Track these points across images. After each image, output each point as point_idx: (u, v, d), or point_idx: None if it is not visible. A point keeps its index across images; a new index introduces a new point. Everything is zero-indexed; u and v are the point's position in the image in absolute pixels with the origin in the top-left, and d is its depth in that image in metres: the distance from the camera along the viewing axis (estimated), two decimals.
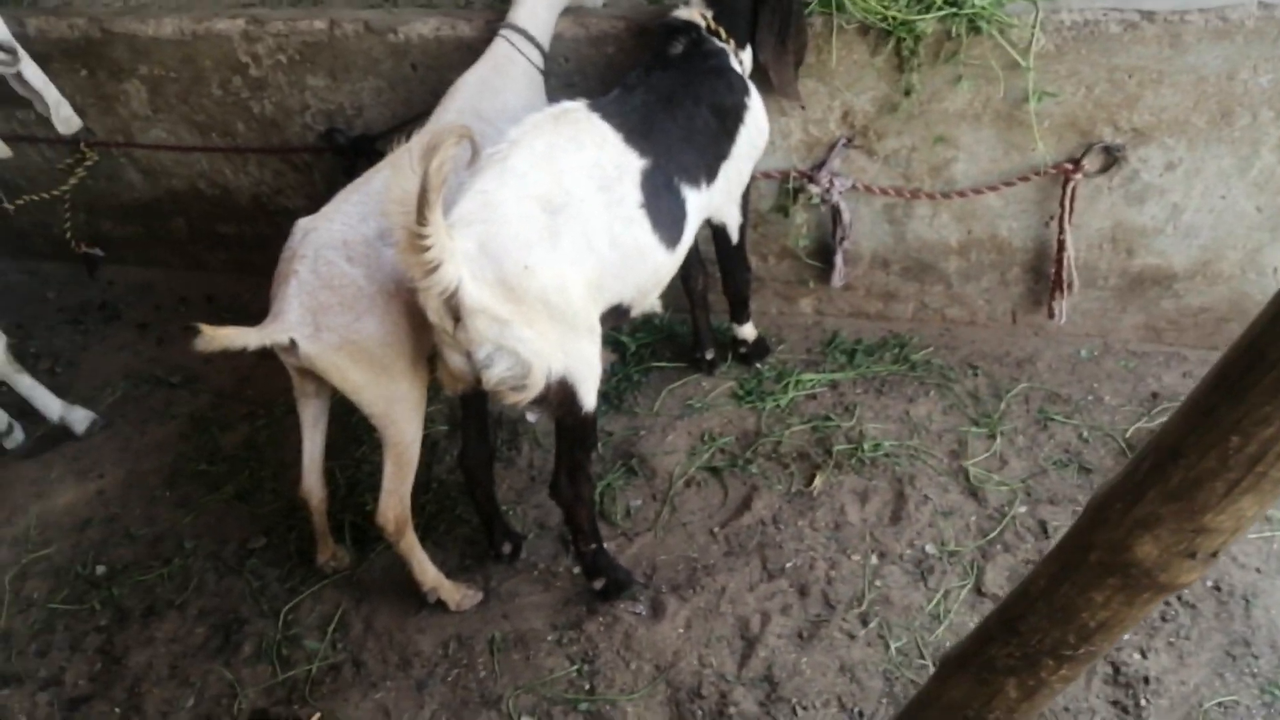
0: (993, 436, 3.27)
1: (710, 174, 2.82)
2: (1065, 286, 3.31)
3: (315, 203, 4.03)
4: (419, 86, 3.57)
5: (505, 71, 3.02)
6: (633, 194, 2.51)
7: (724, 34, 2.89)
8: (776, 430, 3.38)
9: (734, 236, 3.19)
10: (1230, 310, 3.33)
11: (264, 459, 3.63)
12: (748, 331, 3.55)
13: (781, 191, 3.44)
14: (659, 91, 2.72)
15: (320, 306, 2.51)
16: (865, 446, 3.26)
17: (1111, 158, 3.06)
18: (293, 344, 2.51)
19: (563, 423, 2.60)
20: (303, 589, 3.12)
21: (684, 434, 3.45)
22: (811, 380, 3.53)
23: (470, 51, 3.38)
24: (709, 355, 3.59)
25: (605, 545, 3.00)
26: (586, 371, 2.50)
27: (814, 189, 3.33)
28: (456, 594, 2.97)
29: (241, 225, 4.33)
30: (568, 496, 2.72)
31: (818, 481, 3.18)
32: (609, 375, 3.70)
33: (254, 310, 4.36)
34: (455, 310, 2.21)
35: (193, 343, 2.33)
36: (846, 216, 3.39)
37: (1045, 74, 2.94)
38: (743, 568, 2.99)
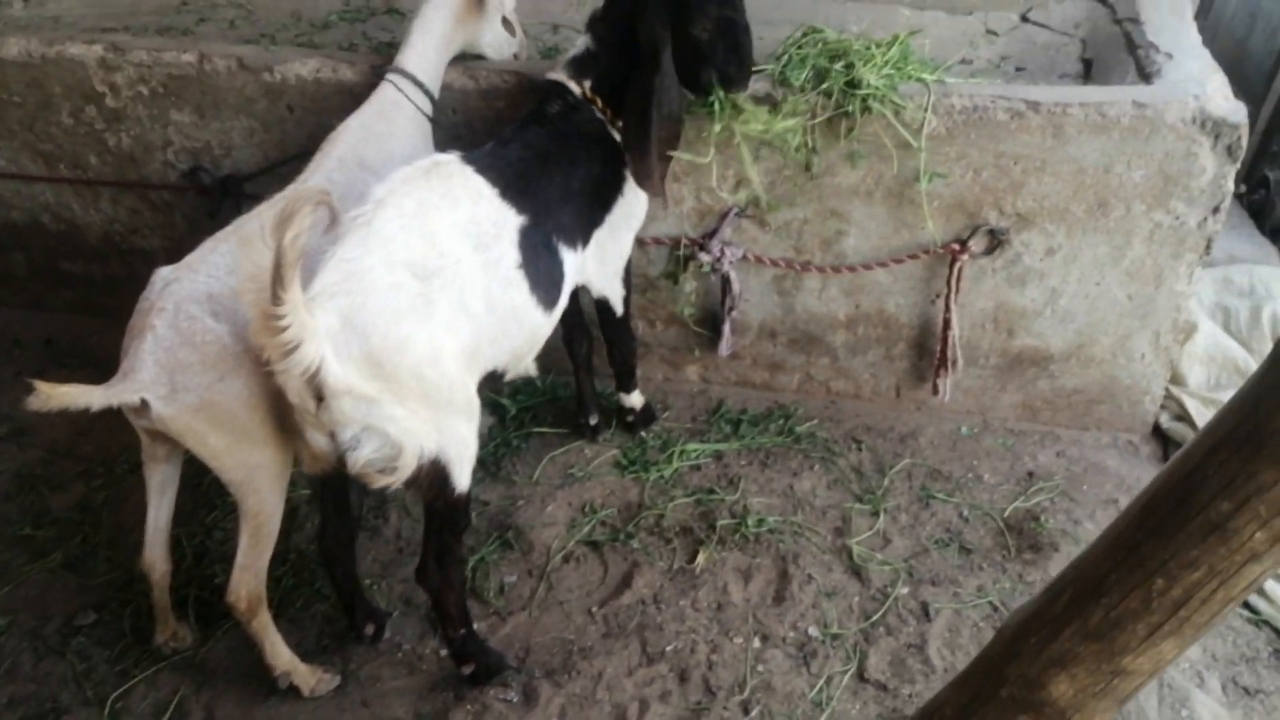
0: (876, 514, 3.24)
1: (585, 237, 2.73)
2: (950, 364, 3.33)
3: (174, 244, 3.79)
4: (295, 129, 3.36)
5: (391, 118, 2.87)
6: (510, 253, 2.39)
7: (600, 103, 2.75)
8: (659, 503, 3.27)
9: (618, 309, 3.10)
10: (1101, 393, 3.42)
11: (99, 523, 3.30)
12: (635, 400, 3.45)
13: (672, 258, 3.37)
14: (535, 148, 2.60)
15: (178, 365, 2.29)
16: (749, 522, 3.17)
17: (996, 240, 3.10)
18: (144, 405, 2.29)
19: (433, 505, 2.41)
20: (135, 672, 2.82)
21: (564, 505, 3.30)
22: (696, 451, 3.44)
23: (351, 96, 3.21)
24: (593, 421, 3.47)
25: (476, 625, 2.81)
26: (461, 450, 2.33)
27: (705, 257, 3.27)
28: (311, 678, 2.74)
29: (90, 264, 3.99)
30: (435, 582, 2.54)
31: (701, 558, 3.07)
32: (487, 440, 3.53)
33: (99, 356, 4.05)
34: (318, 390, 2.02)
35: (25, 401, 2.08)
36: (736, 286, 3.34)
37: (936, 155, 2.97)
38: (621, 650, 2.85)
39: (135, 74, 3.39)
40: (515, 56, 3.34)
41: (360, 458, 2.15)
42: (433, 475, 2.27)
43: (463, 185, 2.37)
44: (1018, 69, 3.40)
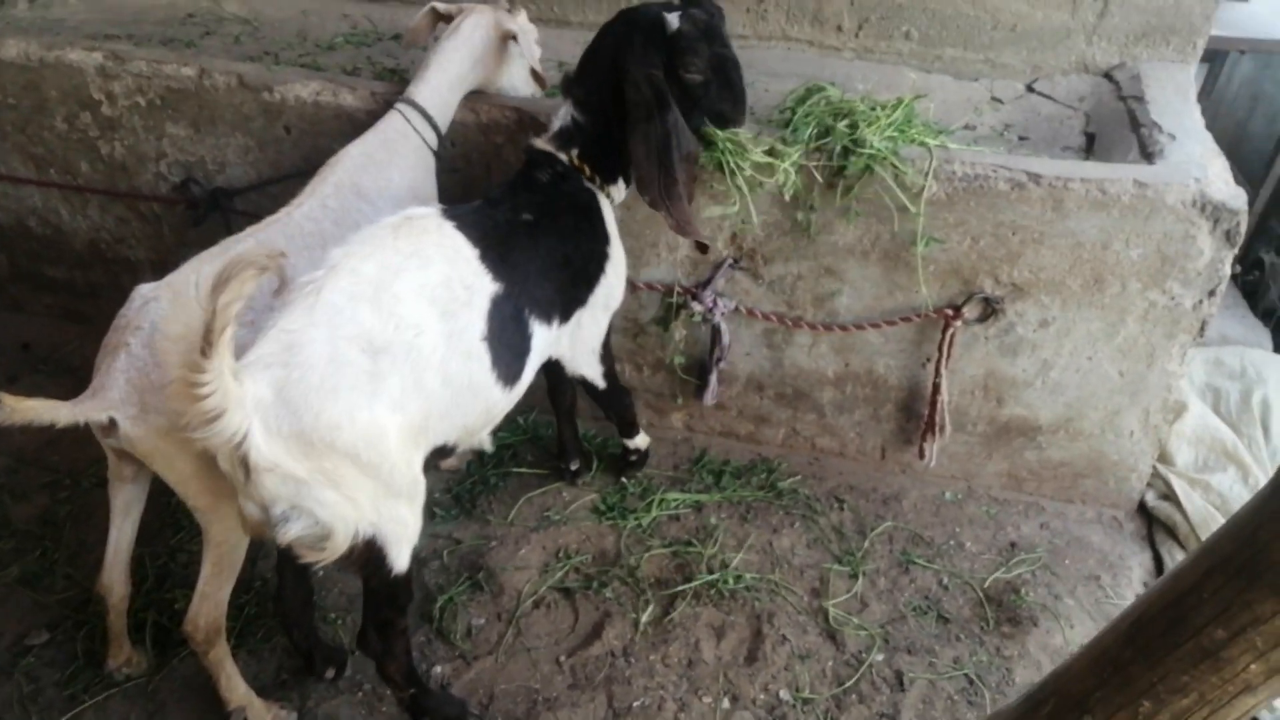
0: (855, 576, 3.18)
1: (564, 314, 2.59)
2: (937, 429, 3.29)
3: (160, 257, 3.74)
4: (291, 150, 3.33)
5: (394, 148, 2.84)
6: (477, 324, 2.24)
7: (589, 171, 2.61)
8: (635, 551, 3.21)
9: (600, 385, 3.00)
10: (1088, 467, 3.38)
11: (60, 538, 3.22)
12: (640, 441, 3.39)
13: (663, 305, 3.33)
14: (524, 214, 2.46)
15: (150, 385, 2.24)
16: (726, 578, 3.11)
17: (990, 308, 3.08)
18: (113, 424, 2.23)
19: (369, 583, 2.29)
20: (85, 697, 2.73)
21: (538, 548, 3.24)
22: (676, 500, 3.39)
23: (350, 121, 3.19)
24: (574, 466, 3.42)
25: (441, 668, 2.76)
26: (400, 531, 2.19)
27: (697, 307, 3.24)
28: (267, 715, 2.66)
29: (73, 270, 3.93)
30: (376, 651, 2.43)
31: (674, 613, 3.01)
32: (464, 476, 3.47)
33: (74, 364, 3.98)
34: (245, 462, 1.89)
35: None
36: (726, 338, 3.30)
37: (934, 220, 2.95)
38: (587, 703, 2.78)
39: (133, 84, 3.35)
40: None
41: (289, 534, 2.02)
42: (367, 555, 2.15)
43: (438, 242, 2.23)
44: (1021, 138, 3.39)
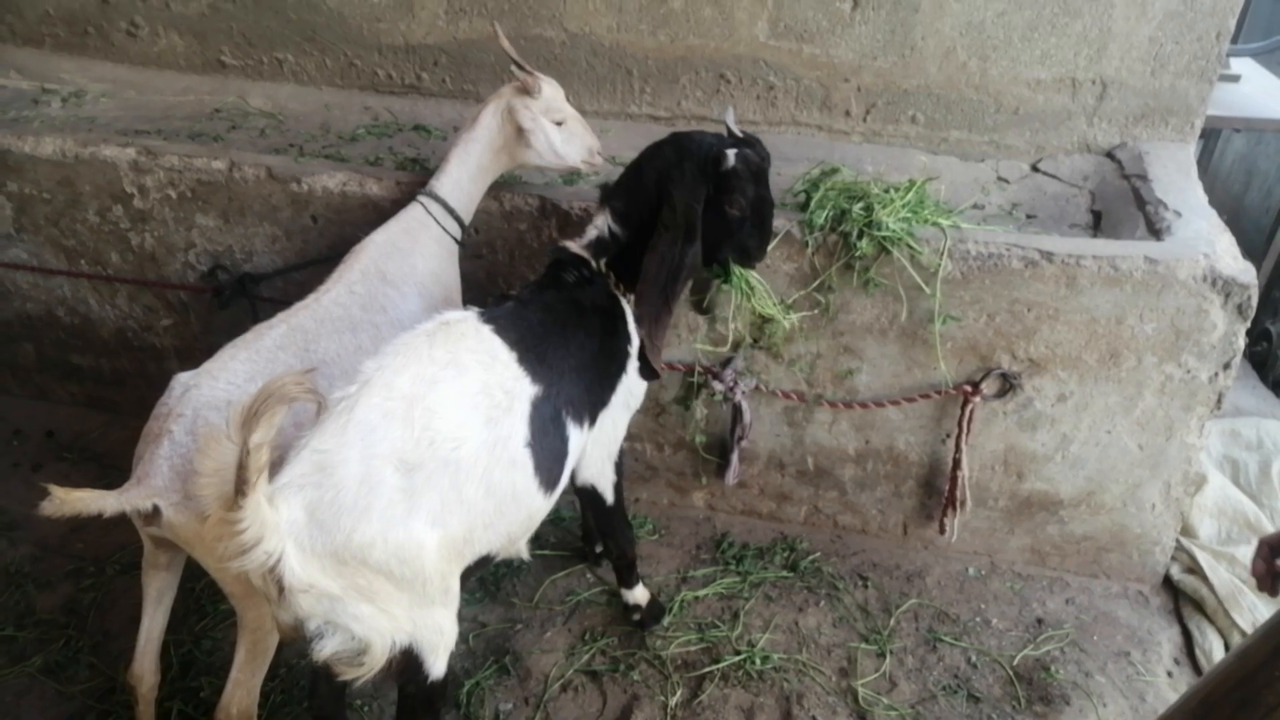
0: (882, 654, 3.16)
1: (592, 415, 2.54)
2: (958, 504, 3.30)
3: (187, 345, 3.80)
4: (317, 238, 3.41)
5: (416, 236, 2.91)
6: (520, 430, 2.20)
7: (614, 278, 2.62)
8: (661, 634, 3.19)
9: (607, 497, 2.88)
10: (1110, 540, 3.38)
11: (84, 626, 3.21)
12: (639, 595, 3.17)
13: (684, 384, 3.38)
14: (554, 313, 2.45)
15: (193, 472, 2.26)
16: (753, 658, 3.09)
17: (1008, 384, 3.12)
18: (156, 511, 2.25)
19: (405, 689, 2.26)
20: None
21: (564, 631, 3.23)
22: (698, 595, 3.35)
23: (376, 210, 3.28)
24: (598, 549, 3.41)
25: None
26: (436, 640, 2.17)
27: (718, 386, 3.28)
28: None
29: (99, 359, 3.99)
30: None
31: (703, 695, 2.99)
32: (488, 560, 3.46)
33: (99, 451, 4.01)
34: (279, 582, 1.88)
35: (39, 506, 2.03)
36: (747, 417, 3.34)
37: (950, 298, 3.01)
38: None
39: (165, 177, 3.45)
40: (588, 159, 3.12)
41: (325, 650, 2.01)
42: (404, 665, 2.13)
43: (475, 347, 2.21)
44: (1029, 216, 3.47)
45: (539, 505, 2.34)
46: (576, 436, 2.44)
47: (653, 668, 3.09)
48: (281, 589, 1.88)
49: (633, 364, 2.67)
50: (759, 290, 2.88)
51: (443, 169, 2.97)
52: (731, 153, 2.51)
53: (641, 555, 3.51)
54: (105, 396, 4.09)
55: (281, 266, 3.50)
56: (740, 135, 2.62)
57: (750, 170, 2.53)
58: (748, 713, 2.97)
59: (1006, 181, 3.71)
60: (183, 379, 2.42)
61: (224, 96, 4.23)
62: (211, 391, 2.36)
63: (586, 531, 3.40)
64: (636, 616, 3.19)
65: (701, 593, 3.36)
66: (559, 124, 3.00)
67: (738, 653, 3.12)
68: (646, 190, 2.56)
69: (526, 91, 2.96)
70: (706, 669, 3.07)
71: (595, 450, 2.73)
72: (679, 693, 3.00)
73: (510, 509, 2.23)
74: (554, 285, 2.54)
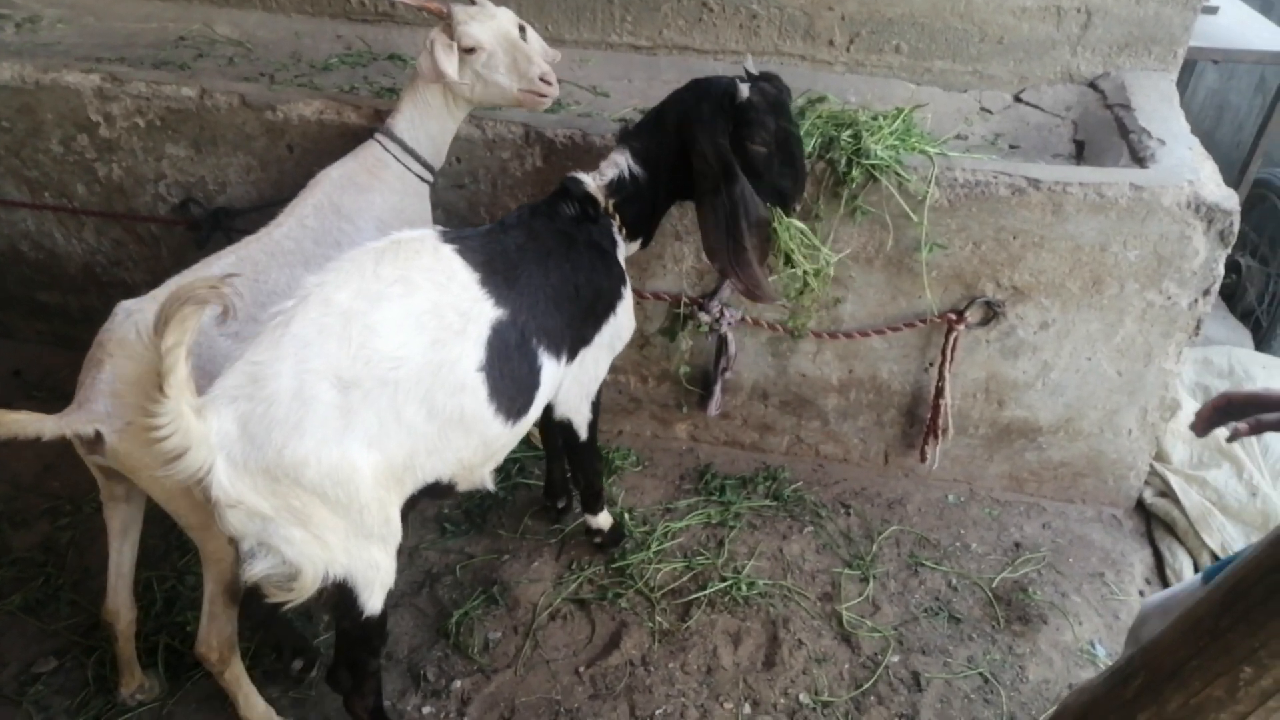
0: (865, 579, 3.22)
1: (571, 351, 2.50)
2: (940, 432, 3.34)
3: (157, 279, 3.62)
4: (293, 169, 3.33)
5: (376, 174, 2.79)
6: (473, 353, 2.12)
7: (620, 221, 2.57)
8: (648, 562, 3.22)
9: (581, 434, 2.83)
10: (1087, 466, 3.45)
11: (63, 564, 3.17)
12: (602, 520, 3.16)
13: (670, 315, 3.36)
14: (539, 239, 2.38)
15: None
16: (739, 584, 3.13)
17: (992, 312, 3.14)
18: (98, 438, 2.19)
19: (340, 624, 2.23)
20: None
21: (550, 560, 3.24)
22: (684, 525, 3.37)
23: (355, 139, 3.18)
24: (560, 505, 3.37)
25: (460, 683, 2.75)
26: (371, 575, 2.12)
27: (704, 317, 3.27)
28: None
29: (66, 295, 3.89)
30: (345, 688, 2.39)
31: (690, 621, 3.03)
32: (473, 492, 3.46)
33: (68, 390, 3.89)
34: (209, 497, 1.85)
35: None
36: (732, 348, 3.34)
37: (937, 227, 3.01)
38: (610, 713, 2.78)
39: (132, 105, 3.34)
40: (527, 87, 2.75)
41: (255, 571, 1.96)
42: (338, 597, 2.09)
43: (429, 267, 2.12)
44: (1012, 146, 3.48)
45: (495, 433, 2.25)
46: (551, 368, 2.38)
47: (640, 595, 3.12)
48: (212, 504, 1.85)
49: (623, 305, 2.64)
50: (804, 240, 2.78)
51: (397, 108, 2.82)
52: (745, 86, 2.46)
53: (626, 486, 3.54)
54: (73, 334, 4.00)
55: (257, 198, 3.42)
56: (756, 74, 2.57)
57: (768, 102, 2.48)
58: (735, 637, 3.01)
59: (989, 112, 3.70)
60: (126, 305, 2.34)
61: (188, 24, 4.10)
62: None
63: (550, 487, 3.35)
64: (598, 540, 3.22)
65: (686, 522, 3.38)
66: (469, 51, 2.69)
67: (723, 579, 3.16)
68: (667, 133, 2.53)
69: (444, 24, 2.69)
70: (693, 595, 3.11)
71: (573, 387, 2.67)
72: (667, 618, 3.04)
73: (457, 435, 2.15)
74: (548, 214, 2.48)
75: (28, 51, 3.69)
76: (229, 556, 2.37)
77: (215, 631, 2.44)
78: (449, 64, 2.67)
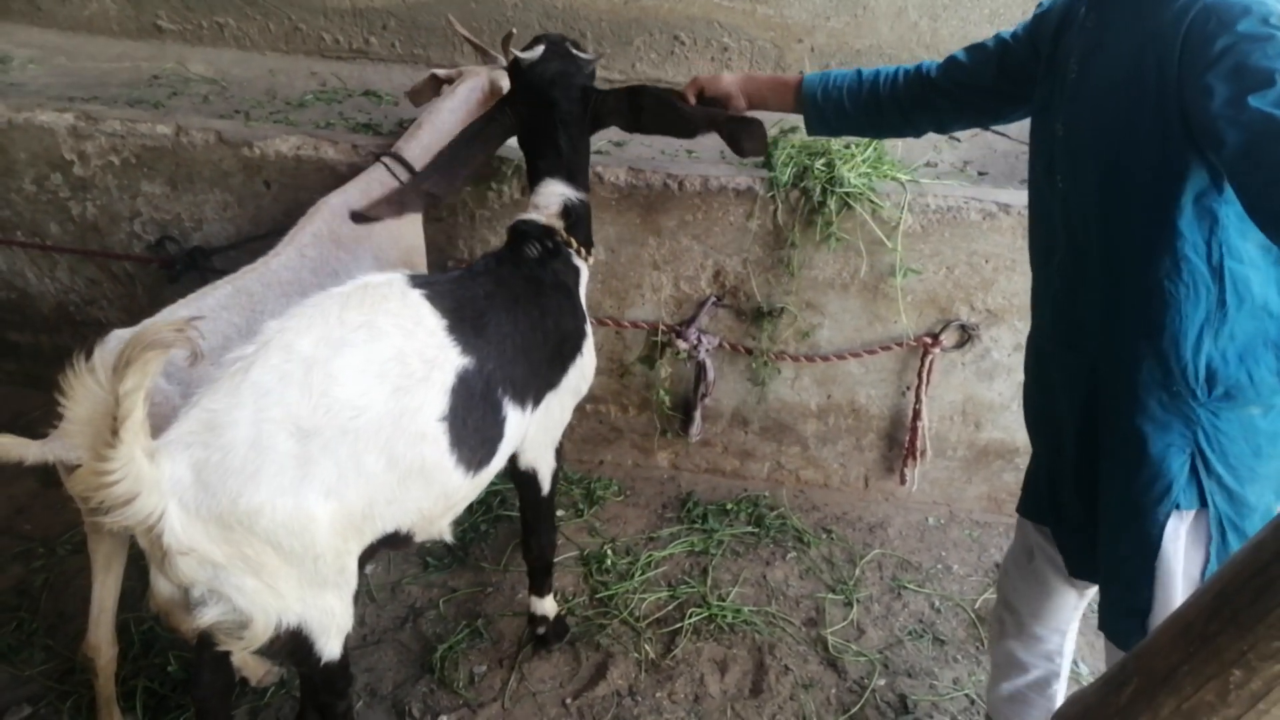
0: (849, 604, 3.23)
1: (537, 398, 2.45)
2: (919, 455, 3.38)
3: (133, 318, 3.65)
4: (271, 205, 3.34)
5: (374, 198, 2.85)
6: (436, 402, 2.08)
7: (575, 244, 2.57)
8: (632, 591, 3.21)
9: (544, 486, 2.73)
10: None
11: (37, 608, 3.11)
12: (547, 606, 2.97)
13: (648, 343, 3.39)
14: (506, 286, 2.37)
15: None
16: (724, 612, 3.13)
17: (967, 335, 3.20)
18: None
19: (301, 670, 2.19)
20: None
21: None
22: (662, 556, 3.36)
23: (333, 174, 3.22)
24: None
25: (446, 717, 2.71)
26: (328, 621, 2.05)
27: (682, 345, 3.30)
28: (260, 669, 2.76)
29: (39, 335, 3.85)
30: None
31: (676, 649, 3.02)
32: (456, 524, 3.44)
33: (40, 432, 3.86)
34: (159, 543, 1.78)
35: None
36: (711, 374, 3.36)
37: (910, 252, 3.06)
38: None
39: (107, 143, 3.34)
40: None
41: (205, 619, 1.89)
42: (293, 645, 2.03)
43: (396, 313, 2.09)
44: (980, 173, 3.54)
45: (455, 484, 2.19)
46: (516, 418, 2.34)
47: (625, 625, 3.11)
48: (164, 552, 1.78)
49: (587, 344, 2.63)
50: None
51: (414, 134, 2.93)
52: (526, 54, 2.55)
53: (608, 516, 3.54)
54: (45, 375, 3.91)
55: (235, 235, 3.42)
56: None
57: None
58: (721, 665, 3.01)
59: (958, 140, 3.78)
60: (119, 334, 2.33)
61: (162, 62, 4.10)
62: None
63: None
64: (541, 630, 2.99)
65: (669, 551, 3.38)
66: None
67: (708, 607, 3.16)
68: (570, 129, 2.55)
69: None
70: (678, 625, 3.10)
71: (539, 435, 2.61)
72: (653, 647, 3.03)
73: (416, 485, 2.10)
74: (513, 261, 2.48)
75: (0, 92, 3.68)
76: None
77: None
78: None
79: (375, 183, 2.87)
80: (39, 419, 3.88)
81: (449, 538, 2.40)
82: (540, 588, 2.96)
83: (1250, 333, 1.70)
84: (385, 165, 2.88)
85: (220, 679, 2.37)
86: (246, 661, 2.74)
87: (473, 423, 2.18)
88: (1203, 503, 1.76)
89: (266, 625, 1.93)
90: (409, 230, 2.94)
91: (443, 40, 3.97)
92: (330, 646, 2.10)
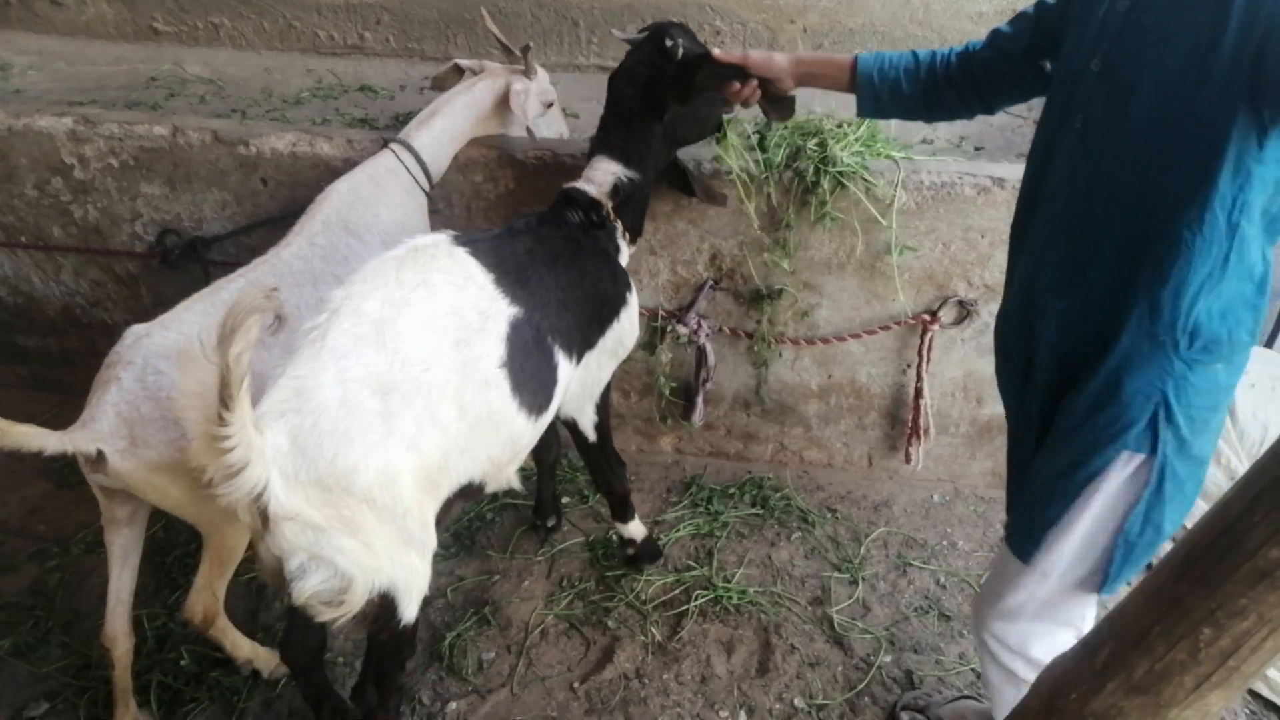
0: (855, 582, 3.24)
1: (579, 353, 2.53)
2: (922, 432, 3.38)
3: (139, 318, 3.70)
4: (268, 202, 3.36)
5: (383, 184, 2.88)
6: (494, 350, 2.17)
7: (622, 226, 2.67)
8: (638, 576, 3.23)
9: (590, 435, 2.90)
10: None
11: (53, 607, 3.15)
12: (633, 530, 3.17)
13: (648, 329, 3.40)
14: (547, 245, 2.44)
15: (140, 418, 2.24)
16: (730, 593, 3.15)
17: (965, 311, 3.19)
18: (101, 457, 2.21)
19: (377, 637, 2.23)
20: None
21: (540, 579, 3.25)
22: (668, 539, 3.39)
23: (329, 170, 3.23)
24: (550, 524, 3.38)
25: (455, 704, 2.73)
26: (412, 581, 2.14)
27: (681, 330, 3.30)
28: (272, 662, 2.80)
29: (47, 338, 3.89)
30: (370, 704, 2.38)
31: (682, 631, 3.04)
32: (460, 514, 3.47)
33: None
34: (264, 513, 1.85)
35: None
36: (711, 359, 3.37)
37: (906, 229, 3.06)
38: None
39: (106, 146, 3.36)
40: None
41: (306, 589, 1.96)
42: (381, 608, 2.10)
43: (447, 269, 2.18)
44: (976, 148, 3.54)
45: (521, 428, 2.29)
46: (565, 366, 2.43)
47: (632, 609, 3.13)
48: (267, 520, 1.85)
49: (628, 311, 2.69)
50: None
51: (425, 121, 2.97)
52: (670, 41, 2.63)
53: None
54: (55, 377, 4.00)
55: (233, 230, 3.44)
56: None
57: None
58: (728, 645, 3.02)
59: None
60: (136, 329, 2.39)
61: (159, 64, 4.13)
62: (163, 340, 2.33)
63: (540, 505, 3.37)
64: (631, 551, 3.20)
65: (675, 534, 3.40)
66: (549, 106, 3.24)
67: (714, 588, 3.18)
68: (638, 123, 2.66)
69: (524, 74, 3.14)
70: (684, 607, 3.12)
71: (577, 388, 2.72)
72: (660, 630, 3.05)
73: (487, 431, 2.19)
74: (554, 222, 2.56)
75: (1, 99, 3.71)
76: (229, 546, 2.49)
77: (203, 600, 2.55)
78: (533, 110, 3.17)
79: (383, 169, 2.89)
80: (50, 421, 3.93)
81: (517, 484, 2.48)
82: (621, 515, 3.15)
83: (1233, 293, 1.70)
84: (393, 152, 2.90)
85: (311, 637, 2.44)
86: (258, 654, 2.81)
87: (529, 368, 2.27)
88: (1152, 449, 1.77)
89: (365, 586, 2.01)
90: (415, 216, 2.97)
91: (436, 34, 3.98)
92: (411, 608, 2.17)
